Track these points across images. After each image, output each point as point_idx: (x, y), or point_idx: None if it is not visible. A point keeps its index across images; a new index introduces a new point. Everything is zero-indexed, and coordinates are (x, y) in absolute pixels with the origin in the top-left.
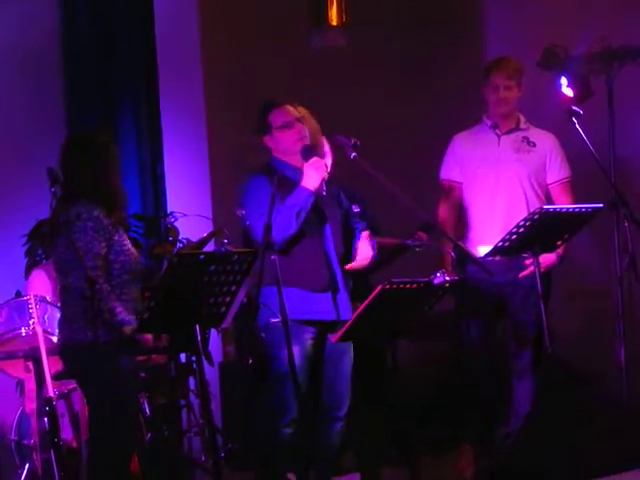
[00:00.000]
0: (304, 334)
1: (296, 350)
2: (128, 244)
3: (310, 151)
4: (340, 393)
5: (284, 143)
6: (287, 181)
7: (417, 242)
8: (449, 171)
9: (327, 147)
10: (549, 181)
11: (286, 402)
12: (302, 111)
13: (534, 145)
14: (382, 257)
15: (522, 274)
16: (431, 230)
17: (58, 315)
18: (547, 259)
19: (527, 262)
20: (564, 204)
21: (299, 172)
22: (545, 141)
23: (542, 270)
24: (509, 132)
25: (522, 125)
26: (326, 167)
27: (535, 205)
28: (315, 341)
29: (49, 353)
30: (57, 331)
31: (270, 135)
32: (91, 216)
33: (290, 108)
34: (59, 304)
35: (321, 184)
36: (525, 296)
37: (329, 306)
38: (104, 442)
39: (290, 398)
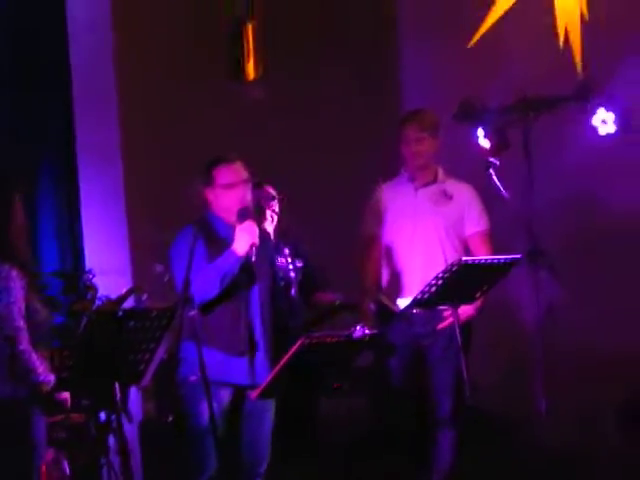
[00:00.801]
0: (220, 393)
1: (213, 407)
2: (38, 303)
3: (246, 214)
4: (261, 450)
5: (224, 202)
6: (218, 239)
7: (336, 296)
8: (369, 225)
9: (273, 192)
10: (467, 233)
11: (204, 458)
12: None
13: (451, 197)
14: (322, 314)
15: (440, 325)
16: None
17: None
18: (465, 311)
19: (446, 314)
20: (482, 255)
21: (232, 231)
22: (463, 193)
23: (460, 322)
24: (426, 185)
25: (440, 177)
26: (257, 232)
27: (452, 257)
28: (232, 400)
29: None
30: None
31: (212, 190)
32: (9, 275)
33: (236, 168)
34: None
35: (251, 249)
36: (445, 347)
37: (244, 371)
38: None
39: (208, 454)
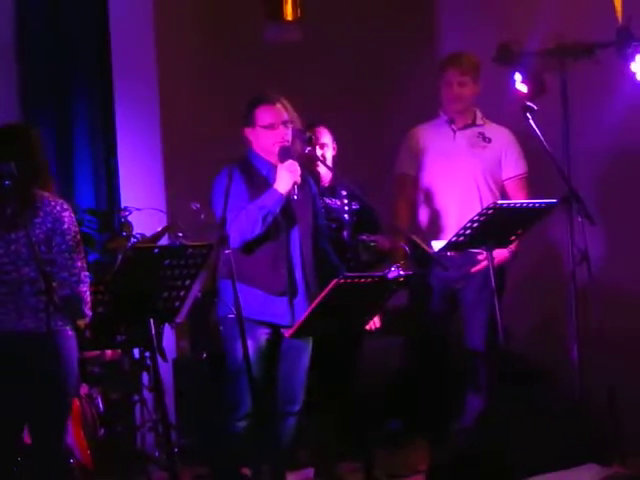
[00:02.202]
0: (258, 331)
1: (250, 345)
2: None
3: (287, 153)
4: (295, 389)
5: (265, 142)
6: (260, 178)
7: (372, 238)
8: (404, 165)
9: (329, 138)
10: (504, 177)
11: (240, 395)
12: (287, 104)
13: (490, 141)
14: (376, 258)
15: (474, 269)
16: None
17: None
18: (500, 254)
19: (480, 257)
20: (519, 199)
21: (274, 171)
22: (501, 137)
23: (495, 265)
24: (465, 127)
25: (478, 121)
26: (299, 171)
27: (488, 201)
28: (270, 339)
29: None
30: None
31: (253, 130)
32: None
33: (277, 108)
34: None
35: (293, 188)
36: (478, 291)
37: (285, 311)
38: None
39: (244, 392)
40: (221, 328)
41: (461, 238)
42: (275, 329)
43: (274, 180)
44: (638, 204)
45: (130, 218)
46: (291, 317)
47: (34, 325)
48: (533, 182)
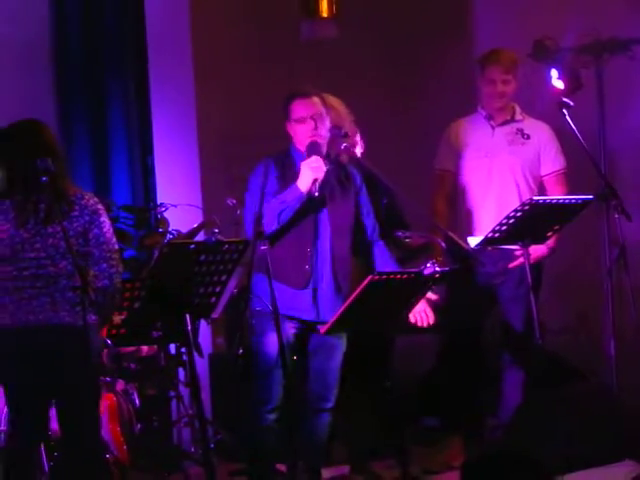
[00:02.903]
0: (286, 325)
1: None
2: None
3: (313, 149)
4: (328, 385)
5: (296, 136)
6: (294, 173)
7: (407, 234)
8: (443, 160)
9: (357, 135)
10: (543, 173)
11: (270, 389)
12: (332, 101)
13: (528, 137)
14: (407, 254)
15: (511, 265)
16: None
17: None
18: (537, 250)
19: (517, 253)
20: (559, 195)
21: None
22: (540, 133)
23: (532, 261)
24: (504, 124)
25: (517, 116)
26: (324, 168)
27: (527, 197)
28: (298, 333)
29: None
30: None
31: (289, 124)
32: (95, 201)
33: (310, 102)
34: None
35: (314, 184)
36: (515, 287)
37: (309, 306)
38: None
39: (274, 385)
40: (253, 322)
41: (497, 234)
42: (303, 324)
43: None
44: None
45: (166, 214)
46: (315, 313)
47: (70, 319)
48: (571, 178)
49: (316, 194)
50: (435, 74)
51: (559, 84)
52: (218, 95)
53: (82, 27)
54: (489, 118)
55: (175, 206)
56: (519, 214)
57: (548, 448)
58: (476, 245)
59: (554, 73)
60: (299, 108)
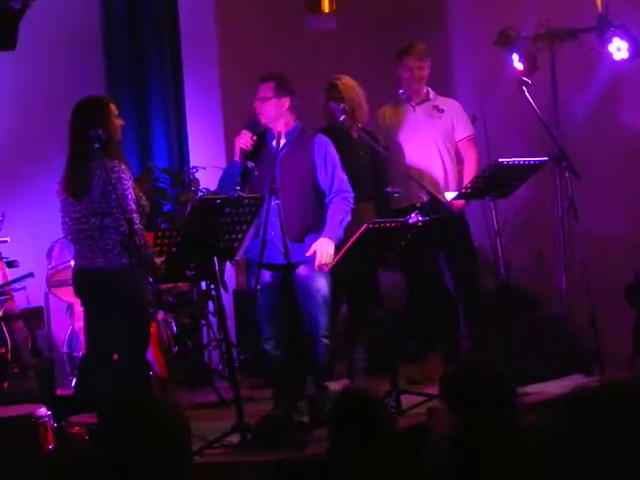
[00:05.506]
0: (261, 271)
1: (254, 283)
2: (139, 192)
3: (248, 125)
4: (315, 316)
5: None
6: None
7: (396, 189)
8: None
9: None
10: (457, 139)
11: (260, 322)
12: (348, 81)
13: (443, 111)
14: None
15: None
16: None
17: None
18: (457, 203)
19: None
20: (470, 157)
21: (273, 138)
22: (451, 107)
23: (456, 211)
24: (421, 103)
25: (431, 96)
26: (252, 140)
27: (448, 160)
28: (274, 275)
29: None
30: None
31: None
32: (120, 169)
33: (262, 87)
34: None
35: (241, 153)
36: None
37: (267, 252)
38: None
39: (262, 316)
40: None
41: (469, 190)
42: (276, 270)
43: (270, 147)
44: (615, 161)
45: (197, 175)
46: (266, 258)
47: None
48: (529, 144)
49: (249, 165)
50: None
51: (519, 66)
52: (239, 79)
53: (127, 25)
54: (408, 100)
55: (204, 168)
56: (487, 173)
57: (508, 363)
58: (452, 198)
59: (515, 57)
60: (258, 89)
